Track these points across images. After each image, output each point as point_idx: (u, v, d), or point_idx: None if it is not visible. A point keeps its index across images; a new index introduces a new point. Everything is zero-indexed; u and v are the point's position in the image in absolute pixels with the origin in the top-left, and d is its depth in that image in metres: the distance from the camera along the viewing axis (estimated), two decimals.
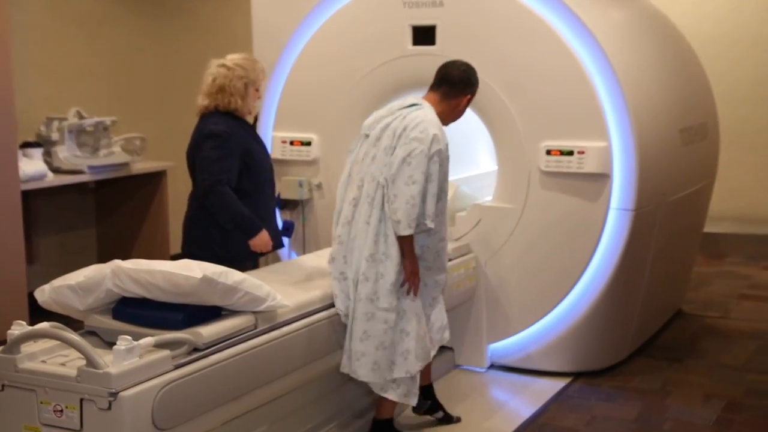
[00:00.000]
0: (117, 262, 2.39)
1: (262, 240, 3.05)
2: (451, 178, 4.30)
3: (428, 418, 3.10)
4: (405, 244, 2.73)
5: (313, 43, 3.93)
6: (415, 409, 3.07)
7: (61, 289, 2.41)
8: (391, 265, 2.72)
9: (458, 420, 3.13)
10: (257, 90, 3.17)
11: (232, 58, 3.17)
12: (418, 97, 2.88)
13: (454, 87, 2.85)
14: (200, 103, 3.15)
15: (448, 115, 2.88)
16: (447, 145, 2.76)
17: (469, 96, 2.89)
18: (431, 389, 3.08)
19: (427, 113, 2.77)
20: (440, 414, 3.10)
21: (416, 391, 2.82)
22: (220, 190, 2.99)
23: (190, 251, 3.06)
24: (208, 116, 3.12)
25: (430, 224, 2.71)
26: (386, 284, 2.71)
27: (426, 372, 3.00)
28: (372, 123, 2.85)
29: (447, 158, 2.77)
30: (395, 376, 2.75)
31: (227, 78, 3.11)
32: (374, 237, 2.72)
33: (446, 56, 3.60)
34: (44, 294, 2.43)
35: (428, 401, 3.07)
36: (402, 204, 2.67)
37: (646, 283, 3.76)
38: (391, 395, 2.77)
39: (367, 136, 2.83)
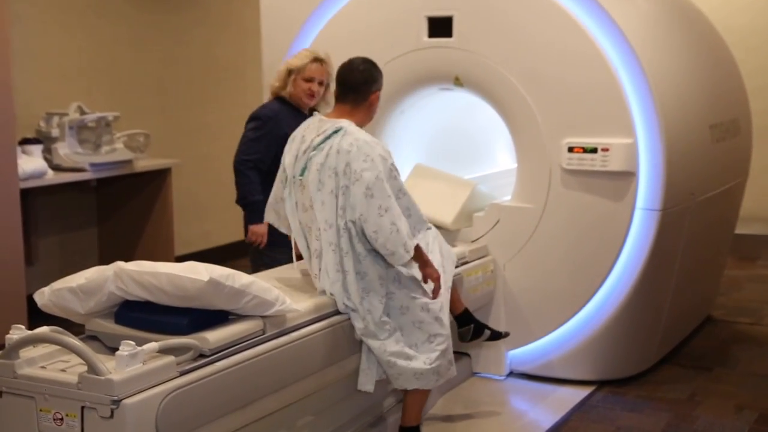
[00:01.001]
0: (120, 264, 2.39)
1: (256, 231, 3.36)
2: (468, 176, 4.37)
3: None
4: (415, 260, 2.77)
5: (323, 36, 3.93)
6: (462, 339, 3.17)
7: (61, 291, 2.41)
8: (376, 299, 2.77)
9: (506, 335, 3.31)
10: (306, 80, 3.38)
11: (302, 49, 3.53)
12: (330, 116, 2.86)
13: (360, 91, 2.85)
14: None
15: (366, 120, 2.91)
16: (390, 153, 2.80)
17: (377, 92, 2.90)
18: (467, 313, 3.16)
19: (354, 134, 2.76)
20: (487, 333, 3.21)
21: (452, 358, 2.89)
22: (242, 170, 3.36)
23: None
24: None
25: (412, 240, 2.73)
26: (375, 318, 2.76)
27: (456, 299, 3.08)
28: (294, 162, 2.84)
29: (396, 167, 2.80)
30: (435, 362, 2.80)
31: (282, 64, 3.47)
32: (354, 282, 2.74)
33: (464, 49, 3.64)
34: (44, 297, 2.43)
35: (470, 326, 3.13)
36: (387, 236, 2.68)
37: (674, 287, 3.74)
38: (439, 379, 2.83)
39: (300, 181, 2.81)
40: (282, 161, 2.94)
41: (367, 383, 2.82)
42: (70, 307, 2.42)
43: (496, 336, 3.25)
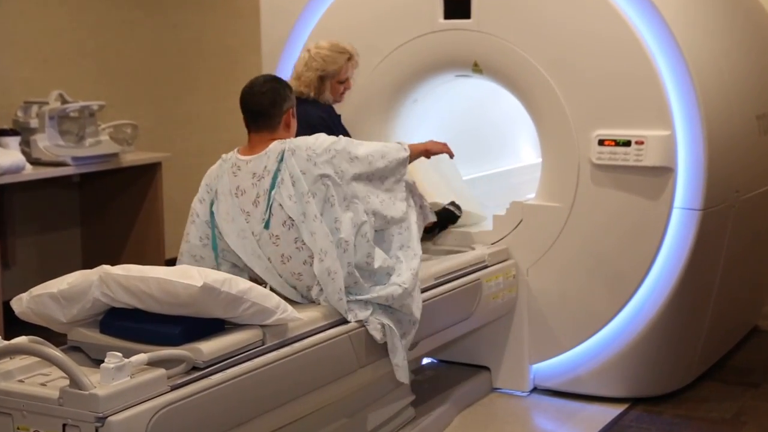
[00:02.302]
0: (105, 268, 2.40)
1: None
2: (487, 172, 4.37)
3: None
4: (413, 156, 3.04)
5: (328, 18, 3.93)
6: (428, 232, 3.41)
7: (41, 298, 2.42)
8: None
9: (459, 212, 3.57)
10: (340, 83, 3.44)
11: (317, 44, 3.47)
12: (245, 152, 2.87)
13: (271, 115, 2.86)
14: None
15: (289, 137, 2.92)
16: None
17: (290, 109, 2.91)
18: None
19: (299, 144, 2.82)
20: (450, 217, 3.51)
21: None
22: None
23: None
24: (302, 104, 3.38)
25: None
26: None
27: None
28: (242, 221, 2.81)
29: None
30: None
31: (305, 66, 3.43)
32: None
33: (483, 32, 3.64)
34: (22, 304, 2.44)
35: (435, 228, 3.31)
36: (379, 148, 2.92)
37: (716, 294, 3.73)
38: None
39: (267, 236, 2.81)
40: (198, 217, 2.86)
41: (404, 377, 2.89)
42: (50, 315, 2.43)
43: (453, 217, 3.43)
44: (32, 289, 2.45)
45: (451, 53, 3.73)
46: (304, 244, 2.77)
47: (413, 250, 2.97)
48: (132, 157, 4.84)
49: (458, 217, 3.46)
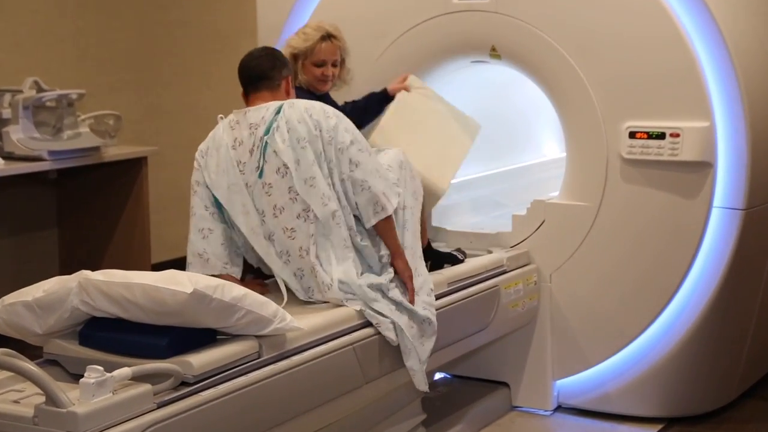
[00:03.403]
0: (85, 274, 2.39)
1: None
2: (506, 167, 4.36)
3: None
4: (387, 234, 2.99)
5: None
6: None
7: (14, 307, 2.42)
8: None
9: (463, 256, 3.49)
10: (317, 65, 3.41)
11: (306, 23, 3.56)
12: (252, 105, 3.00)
13: (271, 77, 3.01)
14: None
15: None
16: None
17: (288, 77, 3.07)
18: (429, 247, 3.33)
19: (299, 101, 2.96)
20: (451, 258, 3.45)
21: None
22: None
23: None
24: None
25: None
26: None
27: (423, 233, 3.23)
28: (235, 171, 2.92)
29: None
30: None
31: (285, 47, 3.45)
32: (373, 254, 2.97)
33: (501, 14, 3.64)
34: None
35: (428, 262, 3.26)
36: (376, 178, 2.92)
37: (761, 303, 3.72)
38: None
39: (260, 185, 2.90)
40: (199, 185, 2.99)
41: (421, 383, 2.93)
42: (24, 326, 2.43)
43: (454, 260, 3.42)
44: (4, 298, 2.45)
45: (466, 37, 3.74)
46: (298, 194, 2.86)
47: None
48: (115, 151, 4.84)
49: (461, 261, 3.44)
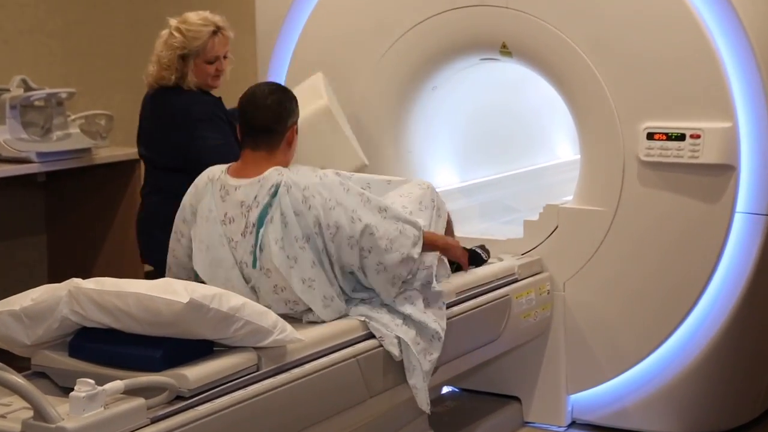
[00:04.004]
0: (76, 282, 2.40)
1: None
2: (517, 170, 4.35)
3: None
4: (433, 245, 2.97)
5: None
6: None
7: (1, 317, 2.42)
8: None
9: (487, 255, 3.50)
10: (210, 62, 3.42)
11: (180, 19, 3.47)
12: (237, 171, 2.84)
13: (275, 132, 2.83)
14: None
15: (287, 164, 2.88)
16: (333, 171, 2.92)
17: (294, 125, 2.89)
18: None
19: (297, 181, 2.77)
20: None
21: None
22: None
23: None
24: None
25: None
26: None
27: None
28: (226, 252, 2.81)
29: None
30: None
31: (164, 45, 3.46)
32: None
33: (512, 9, 3.64)
34: None
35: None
36: (390, 252, 2.80)
37: None
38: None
39: (260, 269, 2.80)
40: (180, 253, 2.92)
41: (423, 402, 2.91)
42: (12, 336, 2.43)
43: (478, 259, 3.40)
44: None
45: (475, 33, 3.74)
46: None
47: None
48: (106, 152, 4.84)
49: (485, 261, 3.46)
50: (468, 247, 3.43)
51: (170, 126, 3.41)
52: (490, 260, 3.55)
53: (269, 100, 2.85)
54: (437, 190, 3.23)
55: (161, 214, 3.31)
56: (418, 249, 2.85)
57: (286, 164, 2.88)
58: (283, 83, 4.05)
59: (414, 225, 2.87)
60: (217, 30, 3.44)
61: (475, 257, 3.42)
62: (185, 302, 2.28)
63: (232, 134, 3.42)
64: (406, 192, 3.08)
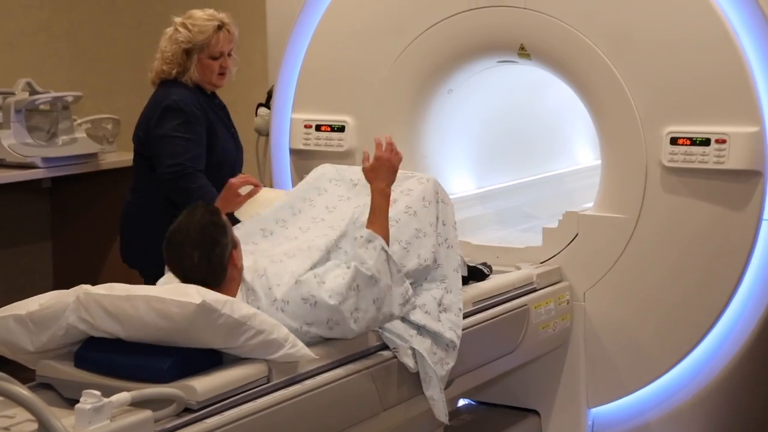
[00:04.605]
0: (85, 288, 2.39)
1: None
2: (536, 176, 4.34)
3: None
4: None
5: None
6: None
7: (5, 321, 2.41)
8: None
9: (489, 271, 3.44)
10: (214, 58, 3.48)
11: (189, 15, 3.55)
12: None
13: (211, 265, 2.55)
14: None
15: (237, 285, 2.68)
16: None
17: (233, 251, 2.63)
18: None
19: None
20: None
21: None
22: (193, 172, 3.41)
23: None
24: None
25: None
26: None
27: None
28: None
29: None
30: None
31: (169, 40, 3.54)
32: None
33: (531, 9, 3.64)
34: None
35: None
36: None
37: None
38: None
39: None
40: None
41: (441, 413, 2.89)
42: (16, 343, 2.43)
43: (479, 275, 3.36)
44: None
45: (492, 35, 3.73)
46: None
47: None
48: (113, 157, 4.86)
49: (486, 276, 3.42)
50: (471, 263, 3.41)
51: (149, 111, 3.52)
52: (506, 269, 3.54)
53: (196, 238, 2.56)
54: (453, 197, 3.21)
55: (134, 215, 3.50)
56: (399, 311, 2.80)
57: (234, 292, 2.66)
58: (294, 86, 4.08)
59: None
60: (222, 26, 3.50)
61: (476, 272, 3.38)
62: (198, 303, 2.28)
63: (229, 139, 3.54)
64: (407, 189, 3.08)
